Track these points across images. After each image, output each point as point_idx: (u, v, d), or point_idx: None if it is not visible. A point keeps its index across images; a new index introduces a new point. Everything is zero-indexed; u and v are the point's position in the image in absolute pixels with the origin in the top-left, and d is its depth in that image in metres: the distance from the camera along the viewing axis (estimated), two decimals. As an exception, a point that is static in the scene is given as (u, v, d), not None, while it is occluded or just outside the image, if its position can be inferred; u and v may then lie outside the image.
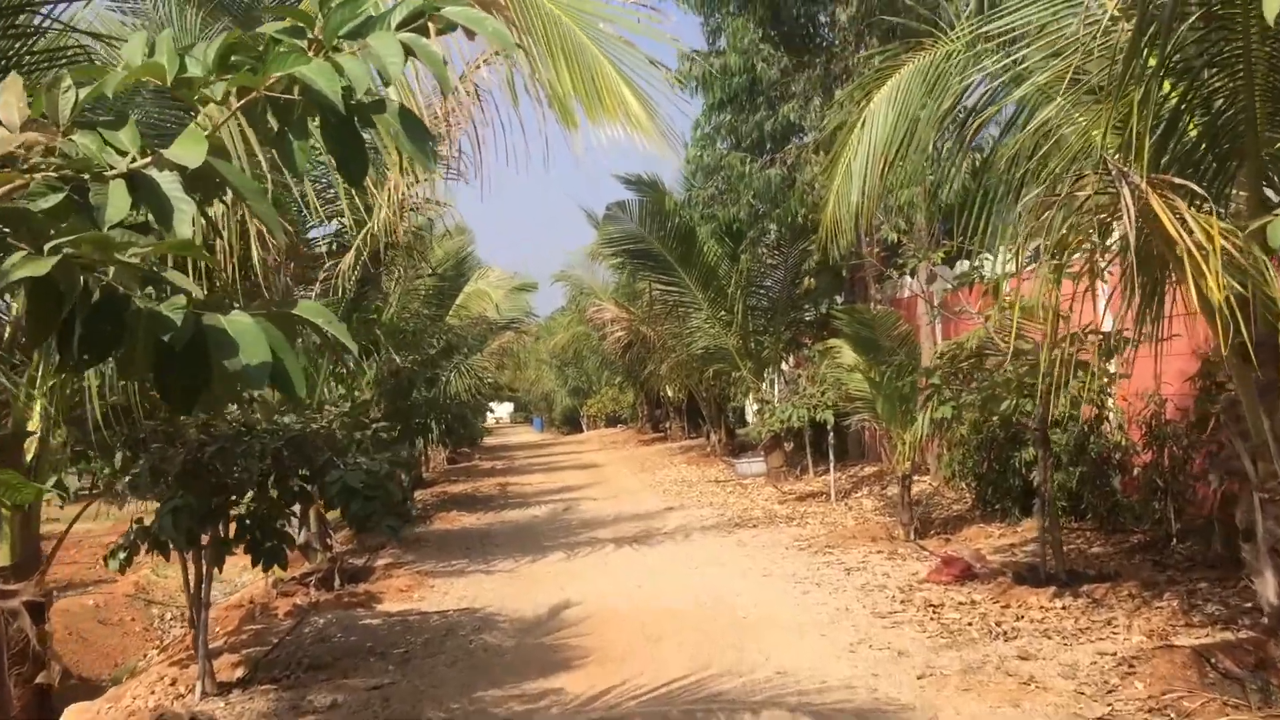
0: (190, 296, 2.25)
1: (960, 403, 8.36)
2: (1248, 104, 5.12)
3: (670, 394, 30.61)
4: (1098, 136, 5.89)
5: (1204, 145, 5.49)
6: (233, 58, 2.34)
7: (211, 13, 6.98)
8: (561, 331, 38.04)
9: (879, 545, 10.92)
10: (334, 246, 11.14)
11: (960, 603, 8.10)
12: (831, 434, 15.11)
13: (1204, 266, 4.28)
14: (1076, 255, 5.37)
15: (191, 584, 7.62)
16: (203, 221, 4.51)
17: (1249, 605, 6.95)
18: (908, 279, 14.88)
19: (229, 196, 3.56)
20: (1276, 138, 5.29)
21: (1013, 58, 6.23)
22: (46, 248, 2.03)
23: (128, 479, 7.02)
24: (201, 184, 2.48)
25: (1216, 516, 8.00)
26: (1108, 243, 5.76)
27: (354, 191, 10.52)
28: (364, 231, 9.54)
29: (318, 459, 6.98)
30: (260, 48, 2.35)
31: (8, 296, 5.03)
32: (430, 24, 2.35)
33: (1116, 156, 4.80)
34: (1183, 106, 5.21)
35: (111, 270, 2.30)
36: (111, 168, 2.34)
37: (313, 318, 2.50)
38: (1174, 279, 5.47)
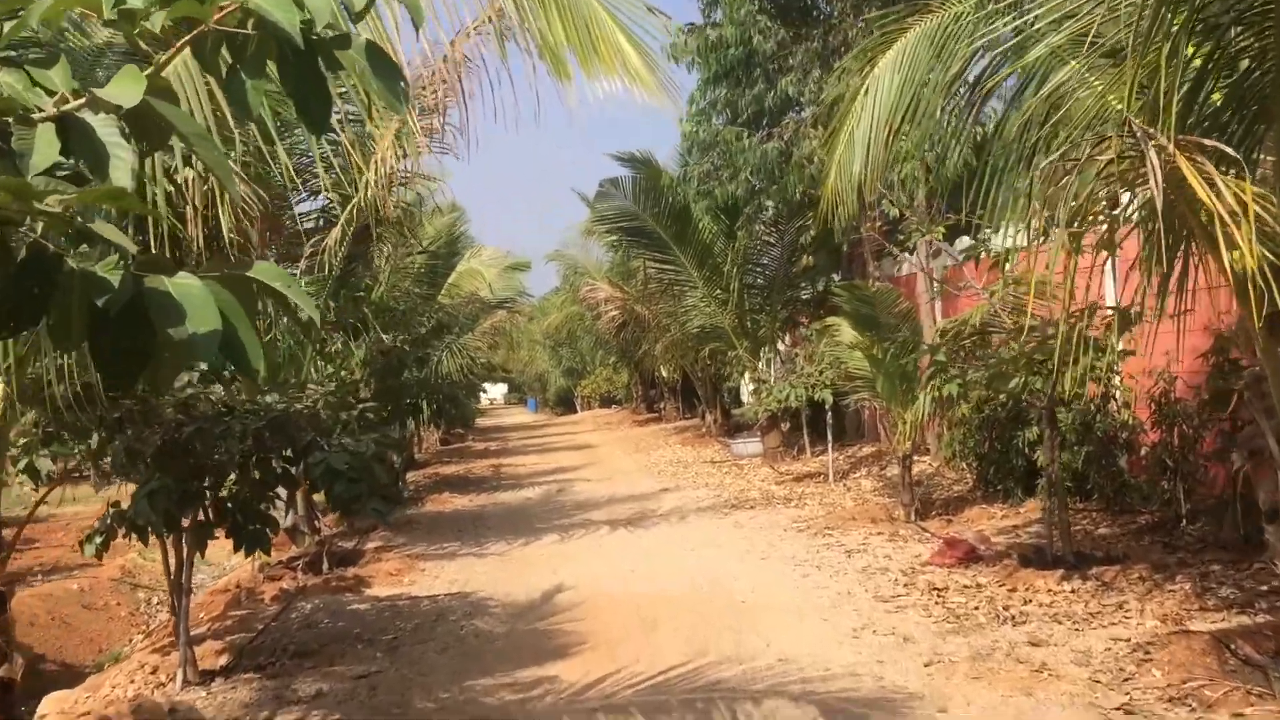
0: (127, 254, 1.98)
1: (967, 380, 8.10)
2: (1276, 63, 4.86)
3: (665, 374, 30.38)
4: (1114, 101, 5.64)
5: (1229, 109, 5.21)
6: (178, -14, 2.06)
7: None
8: (555, 312, 37.75)
9: (879, 527, 10.69)
10: (320, 222, 10.86)
11: (965, 586, 7.88)
12: (830, 414, 14.87)
13: (1236, 233, 4.01)
14: (1094, 224, 5.12)
15: (172, 569, 7.37)
16: (168, 186, 4.25)
17: (1265, 588, 6.74)
18: (906, 256, 14.62)
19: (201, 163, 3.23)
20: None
21: (1024, 19, 5.95)
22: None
23: (105, 461, 6.74)
24: (143, 128, 2.20)
25: (1230, 496, 7.77)
26: (1127, 212, 5.51)
27: (339, 166, 10.24)
28: (350, 205, 9.27)
29: (301, 440, 6.71)
30: (209, -26, 2.07)
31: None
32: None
33: (1140, 119, 4.53)
34: (1209, 66, 4.94)
35: (40, 225, 2.03)
36: (39, 109, 2.07)
37: (270, 281, 2.23)
38: (1194, 249, 5.22)
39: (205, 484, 6.76)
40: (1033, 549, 8.52)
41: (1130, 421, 9.28)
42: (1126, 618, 6.66)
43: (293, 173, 8.68)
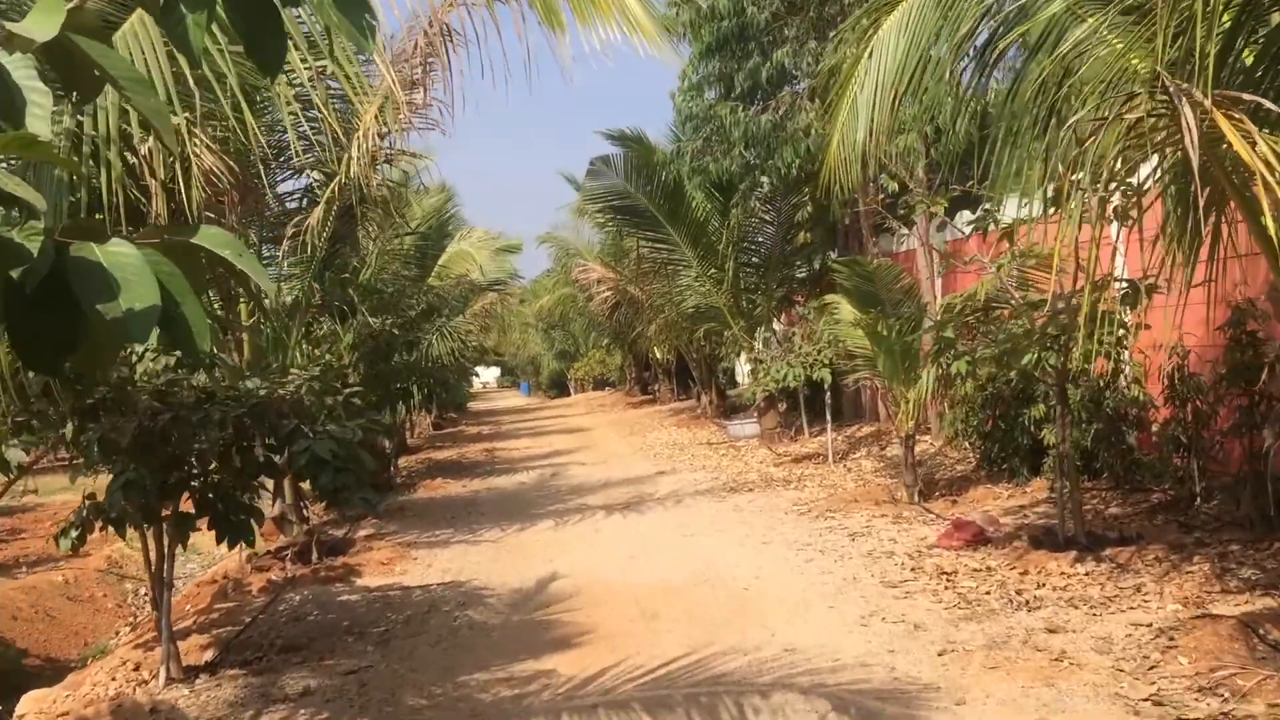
0: (41, 217, 1.68)
1: (976, 357, 7.82)
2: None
3: (659, 355, 30.08)
4: (1136, 61, 5.34)
5: (1261, 68, 4.92)
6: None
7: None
8: (547, 294, 37.41)
9: (882, 508, 10.44)
10: (305, 202, 10.53)
11: (975, 569, 7.63)
12: (829, 393, 14.60)
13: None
14: (1119, 188, 4.85)
15: (153, 563, 7.09)
16: (130, 158, 3.93)
17: (1290, 569, 6.50)
18: (905, 232, 14.33)
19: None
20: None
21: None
22: None
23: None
24: (68, 72, 1.89)
25: (1248, 473, 7.53)
26: (1146, 177, 5.23)
27: (319, 145, 9.91)
28: (333, 183, 8.95)
29: (284, 427, 6.42)
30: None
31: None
32: None
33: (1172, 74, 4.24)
34: (1243, 17, 4.64)
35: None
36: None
37: (218, 248, 1.93)
38: (1226, 215, 4.95)
39: (185, 474, 6.48)
40: (1043, 530, 8.27)
41: (1141, 397, 9.02)
42: (1145, 601, 6.41)
43: (265, 144, 8.37)
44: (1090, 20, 5.57)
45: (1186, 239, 4.83)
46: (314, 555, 9.68)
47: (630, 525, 11.18)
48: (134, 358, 6.95)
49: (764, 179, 15.23)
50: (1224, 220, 4.78)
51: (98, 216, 3.97)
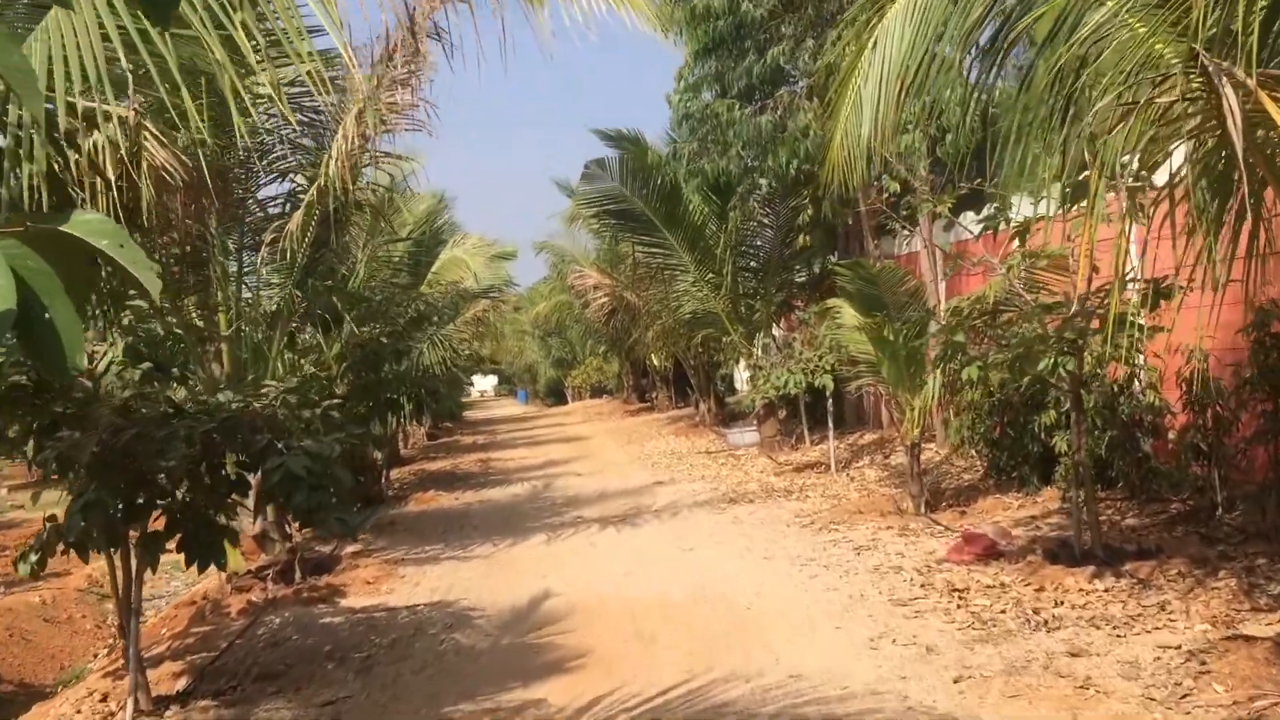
0: None
1: (989, 362, 7.46)
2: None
3: (656, 363, 29.72)
4: (1160, 46, 4.98)
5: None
6: None
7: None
8: (543, 301, 37.07)
9: (888, 520, 10.07)
10: (287, 207, 10.17)
11: (988, 586, 7.25)
12: (830, 400, 14.23)
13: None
14: (1148, 181, 4.49)
15: (120, 587, 6.72)
16: (74, 154, 3.57)
17: (1324, 585, 6.14)
18: (907, 233, 13.98)
19: (112, 126, 2.57)
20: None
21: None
22: None
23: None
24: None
25: (1273, 482, 7.17)
26: (1174, 166, 4.87)
27: (304, 144, 9.55)
28: (313, 186, 8.60)
29: (256, 443, 6.03)
30: None
31: None
32: None
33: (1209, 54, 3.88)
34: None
35: None
36: None
37: (94, 238, 1.56)
38: (1256, 208, 4.58)
39: (153, 494, 6.11)
40: (1057, 543, 7.90)
41: (1157, 403, 8.65)
42: (1171, 621, 6.04)
43: (247, 145, 8.04)
44: (1110, 3, 5.22)
45: (1216, 234, 4.46)
46: (297, 574, 9.29)
47: (627, 539, 10.80)
48: (99, 370, 6.61)
49: (762, 181, 14.87)
50: (1261, 214, 4.42)
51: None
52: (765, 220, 17.35)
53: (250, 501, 6.89)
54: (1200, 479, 8.10)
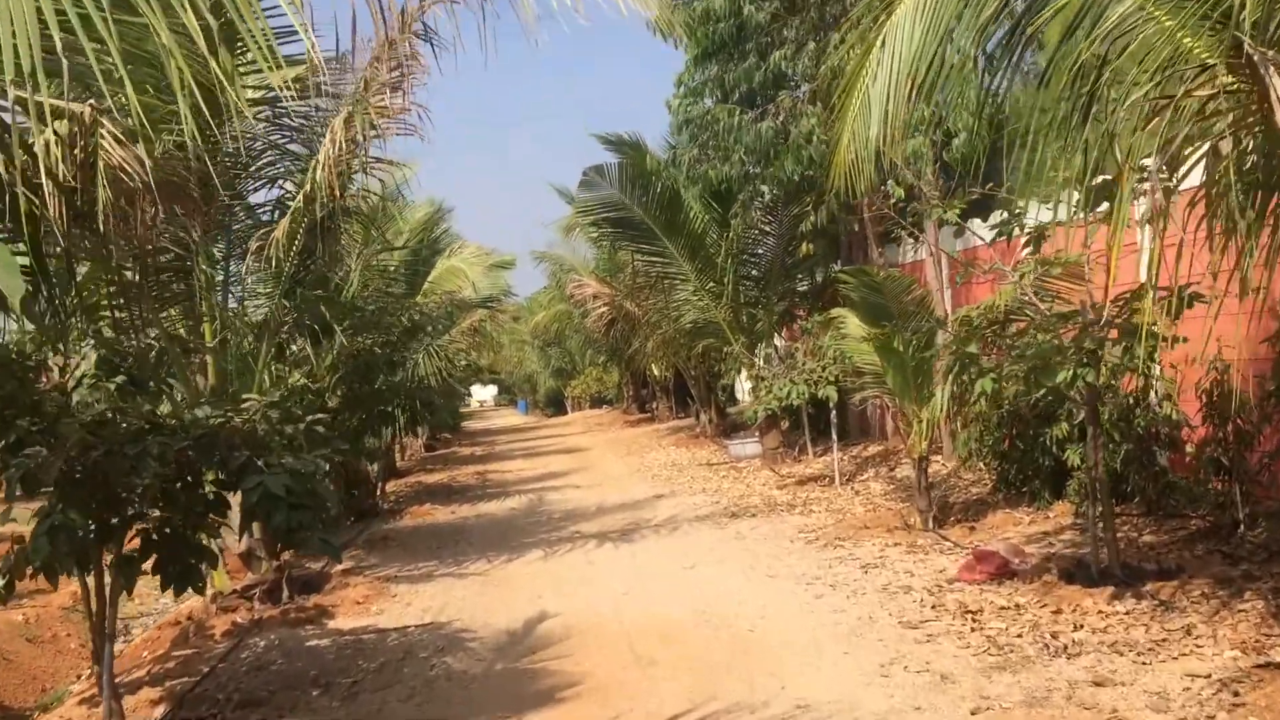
0: None
1: (1003, 374, 7.15)
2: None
3: (657, 373, 29.41)
4: (1188, 41, 4.70)
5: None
6: None
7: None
8: (542, 310, 36.78)
9: (895, 536, 9.75)
10: (275, 214, 9.88)
11: (1002, 608, 6.94)
12: (834, 411, 13.92)
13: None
14: (1183, 178, 4.21)
15: (94, 612, 6.41)
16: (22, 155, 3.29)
17: (1359, 609, 5.83)
18: (913, 240, 13.69)
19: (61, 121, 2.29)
20: None
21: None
22: None
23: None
24: None
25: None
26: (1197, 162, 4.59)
27: (293, 150, 9.27)
28: (300, 193, 8.31)
29: (234, 461, 5.74)
30: None
31: None
32: None
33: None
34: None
35: None
36: None
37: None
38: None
39: (127, 515, 5.81)
40: (1073, 561, 7.59)
41: (1174, 416, 8.34)
42: (1199, 646, 5.72)
43: (237, 148, 7.76)
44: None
45: (1257, 237, 4.17)
46: (284, 594, 8.98)
47: (625, 556, 10.48)
48: (70, 384, 6.32)
49: (764, 188, 14.56)
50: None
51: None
52: (767, 228, 17.04)
53: (235, 519, 6.61)
54: (1221, 495, 7.79)
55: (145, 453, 5.45)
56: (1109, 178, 4.69)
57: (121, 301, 7.07)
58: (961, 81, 5.97)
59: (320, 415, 6.66)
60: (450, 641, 7.60)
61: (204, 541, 5.98)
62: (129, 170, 3.80)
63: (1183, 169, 4.54)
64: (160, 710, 6.62)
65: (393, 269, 16.94)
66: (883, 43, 6.12)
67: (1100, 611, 6.52)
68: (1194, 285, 6.13)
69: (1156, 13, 4.93)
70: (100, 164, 3.63)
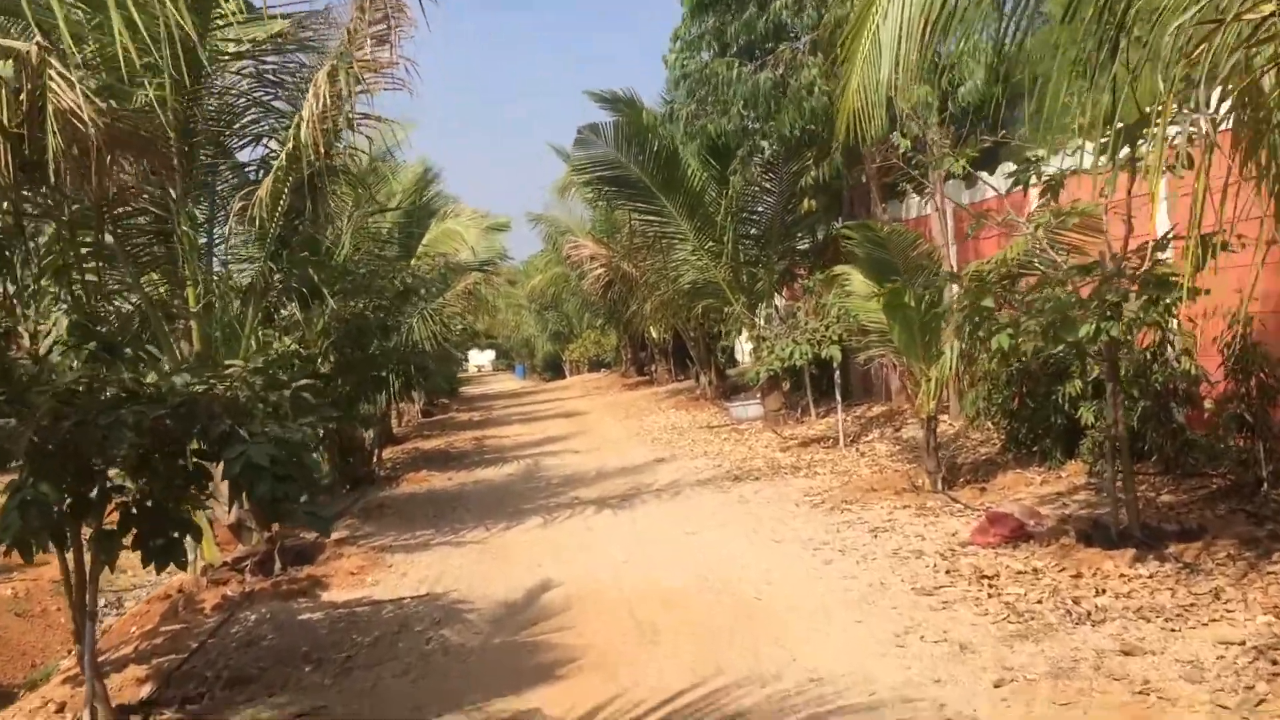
0: None
1: (1021, 329, 6.84)
2: None
3: (655, 335, 29.09)
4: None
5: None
6: None
7: None
8: (539, 273, 36.40)
9: (903, 498, 9.49)
10: (260, 174, 9.53)
11: (1020, 572, 6.68)
12: (837, 371, 13.63)
13: None
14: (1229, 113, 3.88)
15: (74, 589, 6.15)
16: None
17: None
18: (914, 197, 13.35)
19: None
20: None
21: None
22: None
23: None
24: None
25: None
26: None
27: (278, 107, 8.92)
28: (283, 150, 7.97)
29: (215, 429, 5.44)
30: None
31: None
32: None
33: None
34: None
35: None
36: None
37: None
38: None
39: (105, 488, 5.52)
40: (1091, 523, 7.33)
41: (1192, 371, 8.05)
42: (1229, 611, 5.47)
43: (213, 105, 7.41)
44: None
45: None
46: (277, 565, 8.72)
47: (626, 521, 10.23)
48: (41, 352, 6.03)
49: (764, 143, 14.18)
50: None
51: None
52: (767, 185, 16.66)
53: (225, 490, 6.33)
54: (1243, 452, 7.52)
55: (120, 422, 5.15)
56: (1148, 110, 4.36)
57: (95, 264, 6.75)
58: (981, 17, 5.59)
59: (307, 381, 6.34)
60: (447, 613, 7.35)
61: (187, 514, 5.72)
62: (80, 117, 3.49)
63: (1223, 107, 4.21)
64: (146, 689, 6.37)
65: (385, 231, 16.57)
66: (894, -20, 5.77)
67: (1122, 575, 6.26)
68: (1218, 234, 5.83)
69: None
70: (50, 108, 3.32)
